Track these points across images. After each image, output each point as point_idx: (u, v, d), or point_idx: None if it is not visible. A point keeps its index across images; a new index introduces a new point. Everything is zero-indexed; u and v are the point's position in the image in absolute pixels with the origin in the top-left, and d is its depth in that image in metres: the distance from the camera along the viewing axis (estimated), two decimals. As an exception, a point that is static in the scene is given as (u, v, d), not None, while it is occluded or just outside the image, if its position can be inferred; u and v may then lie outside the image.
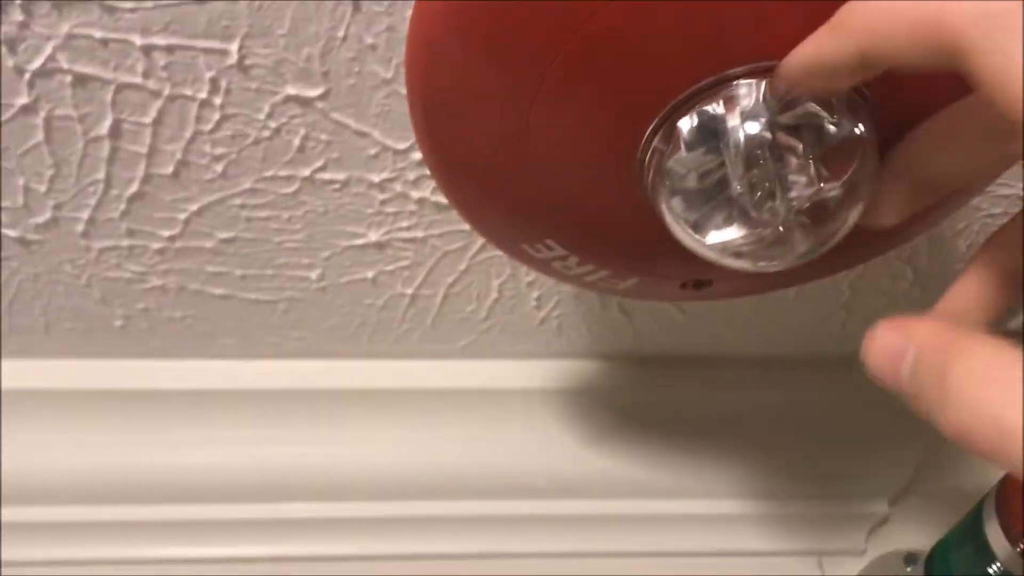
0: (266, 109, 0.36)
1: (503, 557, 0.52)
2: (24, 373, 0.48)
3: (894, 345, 0.23)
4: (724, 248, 0.26)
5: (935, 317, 0.25)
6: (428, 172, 0.38)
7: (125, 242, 0.42)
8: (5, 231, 0.41)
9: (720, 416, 0.52)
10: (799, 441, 0.53)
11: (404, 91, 0.28)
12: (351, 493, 0.51)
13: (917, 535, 0.52)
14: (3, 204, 0.40)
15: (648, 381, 0.51)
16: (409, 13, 0.26)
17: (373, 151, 0.38)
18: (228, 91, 0.35)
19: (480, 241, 0.43)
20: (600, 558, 0.53)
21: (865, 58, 0.20)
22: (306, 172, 0.39)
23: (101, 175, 0.38)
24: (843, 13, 0.21)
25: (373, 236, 0.42)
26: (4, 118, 0.36)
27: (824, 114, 0.24)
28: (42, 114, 0.36)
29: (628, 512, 0.52)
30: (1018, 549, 0.40)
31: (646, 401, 0.51)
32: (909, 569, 0.50)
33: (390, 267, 0.44)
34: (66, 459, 0.49)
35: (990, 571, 0.42)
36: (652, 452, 0.52)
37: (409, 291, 0.46)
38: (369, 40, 0.33)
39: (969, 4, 0.18)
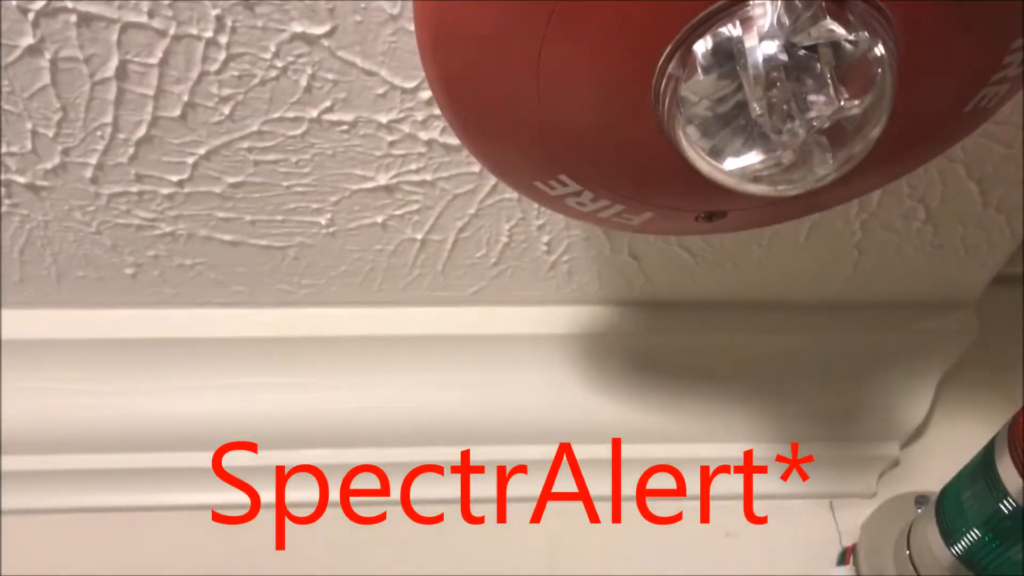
0: (272, 48, 0.35)
1: (514, 501, 0.52)
2: (35, 323, 0.48)
3: None
4: (743, 173, 0.26)
5: None
6: (436, 112, 0.38)
7: (134, 188, 0.42)
8: (15, 177, 0.41)
9: (731, 361, 0.52)
10: (810, 385, 0.53)
11: (411, 27, 0.27)
12: (364, 439, 0.51)
13: (927, 479, 0.52)
14: (11, 149, 0.39)
15: (659, 326, 0.51)
16: (417, -56, 0.25)
17: (381, 90, 0.37)
18: (234, 29, 0.35)
19: (490, 184, 0.43)
20: (611, 502, 0.53)
21: None
22: (313, 113, 0.38)
23: (109, 118, 0.38)
24: None
25: (382, 179, 0.42)
26: (9, 60, 0.35)
27: (842, 32, 0.24)
28: (48, 55, 0.35)
29: (640, 456, 0.53)
30: (1031, 484, 0.40)
31: (657, 346, 0.51)
32: (919, 510, 0.50)
33: (399, 211, 0.44)
34: (78, 409, 0.49)
35: (1002, 507, 0.42)
36: (663, 397, 0.52)
37: (419, 236, 0.46)
38: (376, -26, 0.33)
39: None
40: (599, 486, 0.53)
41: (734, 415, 0.53)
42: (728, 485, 0.53)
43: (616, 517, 0.53)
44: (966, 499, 0.45)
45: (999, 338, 0.55)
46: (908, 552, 0.49)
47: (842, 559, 0.52)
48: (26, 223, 0.43)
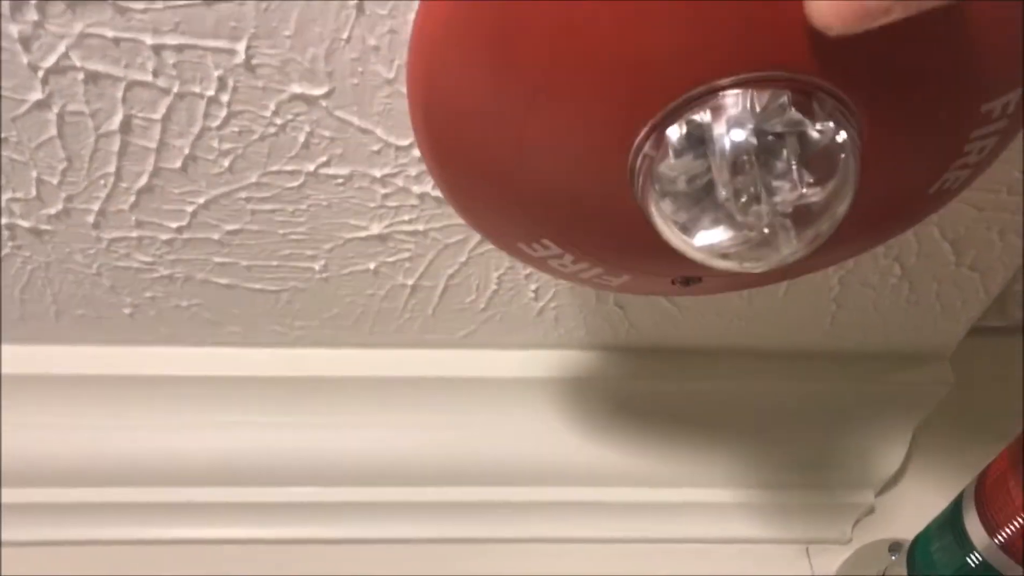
0: (272, 107, 0.37)
1: (498, 542, 0.54)
2: (35, 359, 0.49)
3: None
4: (711, 250, 0.27)
5: None
6: (434, 183, 0.40)
7: (134, 233, 0.43)
8: (18, 221, 0.42)
9: (712, 407, 0.53)
10: (789, 432, 0.54)
11: (405, 91, 0.29)
12: (352, 479, 0.52)
13: (902, 526, 0.53)
14: (17, 195, 0.41)
15: (642, 372, 0.52)
16: (411, 16, 0.27)
17: (376, 147, 0.39)
18: (235, 89, 0.36)
19: (479, 236, 0.44)
20: (592, 544, 0.54)
21: None
22: (310, 167, 0.40)
23: (112, 168, 0.40)
24: None
25: (375, 229, 0.43)
26: (19, 113, 0.37)
27: (807, 121, 0.26)
28: (55, 109, 0.37)
29: (621, 499, 0.54)
30: (996, 540, 0.42)
31: (640, 391, 0.53)
32: (893, 558, 0.52)
33: (391, 259, 0.45)
34: (75, 443, 0.50)
35: (969, 561, 0.43)
36: (645, 441, 0.53)
37: (410, 282, 0.47)
38: (372, 42, 0.34)
39: None
40: (580, 528, 0.54)
41: (714, 460, 0.54)
42: (705, 528, 0.55)
43: (595, 558, 0.54)
44: (935, 551, 0.46)
45: (974, 389, 0.56)
46: (881, 599, 0.51)
47: (817, 604, 0.53)
48: (28, 264, 0.45)
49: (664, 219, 0.28)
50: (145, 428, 0.51)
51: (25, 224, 0.42)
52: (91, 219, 0.42)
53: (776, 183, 0.26)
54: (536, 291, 0.48)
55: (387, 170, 0.40)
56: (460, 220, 0.43)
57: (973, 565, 0.43)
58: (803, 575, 0.54)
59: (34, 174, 0.40)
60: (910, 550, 0.49)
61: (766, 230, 0.27)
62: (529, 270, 0.47)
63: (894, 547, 0.53)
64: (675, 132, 0.26)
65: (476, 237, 0.44)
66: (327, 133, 0.38)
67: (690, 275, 0.33)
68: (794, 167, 0.26)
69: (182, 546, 0.52)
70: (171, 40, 0.34)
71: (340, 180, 0.41)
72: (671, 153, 0.26)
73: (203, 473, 0.51)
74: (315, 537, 0.53)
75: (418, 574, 0.53)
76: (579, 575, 0.54)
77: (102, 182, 0.40)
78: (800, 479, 0.55)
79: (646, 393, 0.53)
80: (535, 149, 0.28)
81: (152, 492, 0.52)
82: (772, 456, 0.54)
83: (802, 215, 0.27)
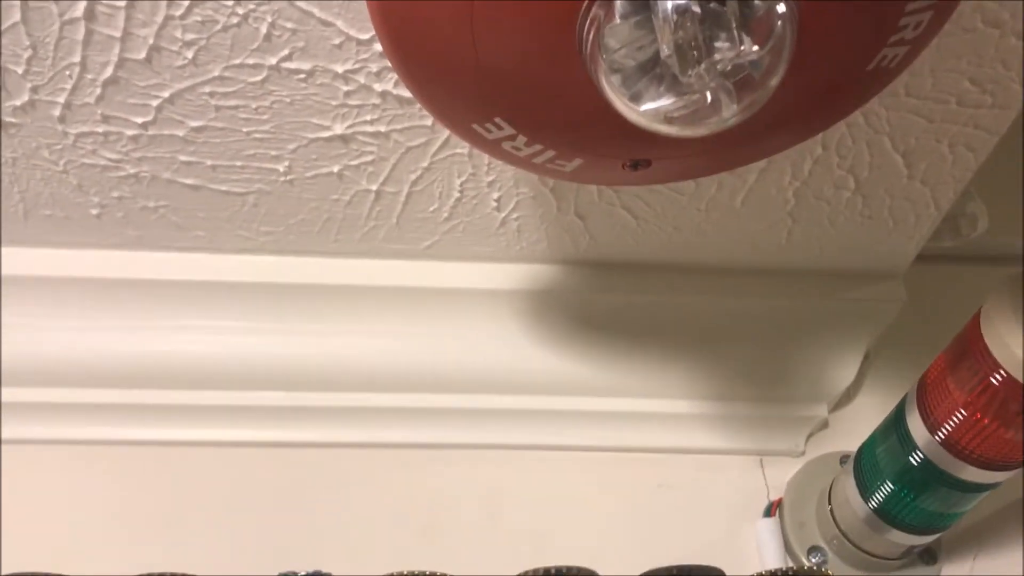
0: (234, -6, 0.37)
1: (458, 448, 0.55)
2: (4, 260, 0.50)
3: None
4: (656, 114, 0.28)
5: None
6: (390, 65, 0.40)
7: (100, 128, 0.44)
8: (-16, 113, 0.43)
9: (670, 321, 0.54)
10: (745, 347, 0.56)
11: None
12: (315, 384, 0.53)
13: (854, 440, 0.54)
14: (-18, 85, 0.41)
15: (602, 285, 0.53)
16: None
17: (337, 41, 0.39)
18: (198, -25, 0.37)
19: (442, 138, 0.45)
20: (550, 451, 0.56)
21: None
22: (273, 60, 0.40)
23: (77, 58, 0.40)
24: None
25: (338, 129, 0.44)
26: (-18, -4, 0.37)
27: (747, -14, 0.26)
28: (19, -7, 0.37)
29: (579, 408, 0.55)
30: (936, 438, 0.43)
31: (600, 304, 0.54)
32: (843, 467, 0.53)
33: (355, 162, 0.46)
34: (44, 343, 0.51)
35: (911, 459, 0.45)
36: (604, 352, 0.54)
37: (374, 187, 0.48)
38: (333, -74, 0.35)
39: None
40: (539, 435, 0.55)
41: (672, 372, 0.55)
42: (663, 438, 0.56)
43: (555, 466, 0.55)
44: (880, 454, 0.48)
45: (925, 311, 0.58)
46: (829, 507, 0.52)
47: (768, 512, 0.55)
48: (-5, 160, 0.45)
49: (612, 87, 0.29)
50: (112, 330, 0.51)
51: (-9, 116, 0.43)
52: (57, 112, 0.43)
53: (717, 45, 0.27)
54: (498, 200, 0.49)
55: (349, 65, 0.41)
56: (422, 122, 0.44)
57: (915, 463, 0.45)
58: (757, 485, 0.56)
59: (-1, 62, 0.40)
60: (857, 455, 0.50)
61: (708, 93, 0.28)
62: (492, 176, 0.47)
63: (844, 459, 0.55)
64: (621, -7, 0.27)
65: (439, 140, 0.45)
66: (289, 25, 0.39)
67: (639, 158, 0.34)
68: (734, 29, 0.27)
69: (145, 447, 0.53)
70: (133, -80, 0.35)
71: (302, 75, 0.41)
72: (617, 15, 0.27)
73: (170, 376, 0.52)
74: (278, 440, 0.54)
75: (378, 477, 0.54)
76: (538, 482, 0.55)
77: (67, 72, 0.41)
78: (755, 392, 0.56)
79: (606, 306, 0.54)
80: (484, 21, 0.29)
81: (114, 394, 0.52)
82: (728, 370, 0.56)
83: (741, 79, 0.28)
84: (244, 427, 0.54)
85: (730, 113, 0.28)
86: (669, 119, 0.29)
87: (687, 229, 0.51)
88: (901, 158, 0.47)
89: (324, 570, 0.48)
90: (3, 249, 0.50)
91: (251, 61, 0.40)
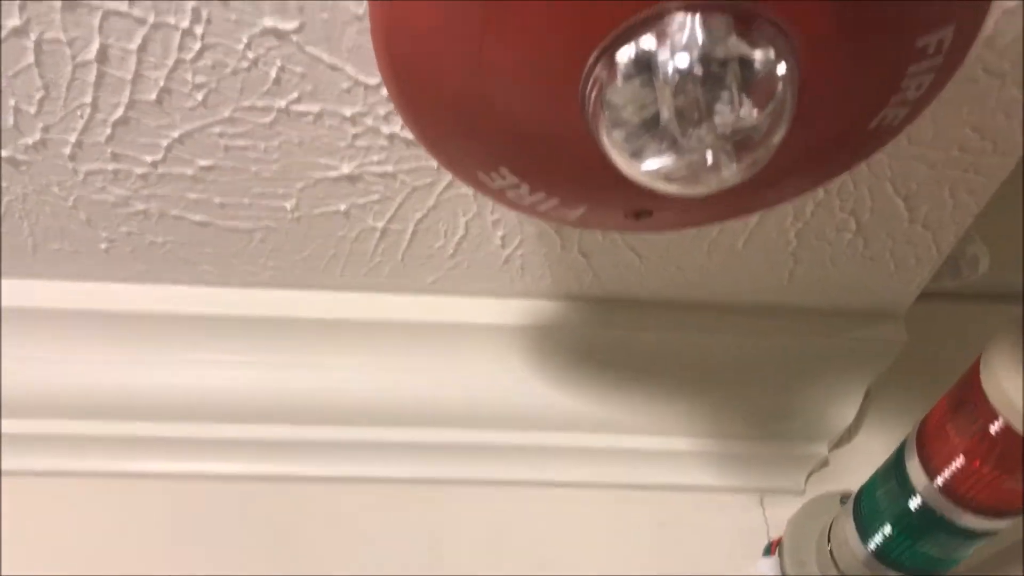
0: (244, 40, 0.38)
1: (460, 484, 0.55)
2: (12, 293, 0.50)
3: None
4: (656, 173, 0.29)
5: None
6: (396, 111, 0.41)
7: (110, 166, 0.44)
8: (-4, 150, 0.43)
9: (672, 357, 0.55)
10: (747, 384, 0.56)
11: (372, 21, 0.30)
12: (319, 417, 0.54)
13: (854, 479, 0.55)
14: (-6, 123, 0.42)
15: (605, 321, 0.54)
16: (378, -51, 0.28)
17: (346, 85, 0.40)
18: (209, 21, 0.37)
19: (447, 178, 0.45)
20: (552, 488, 0.56)
21: None
22: (282, 103, 0.41)
23: (88, 99, 0.41)
24: None
25: (345, 169, 0.44)
26: (-3, 39, 0.38)
27: (748, 48, 0.27)
28: (33, 36, 0.38)
29: (581, 445, 0.56)
30: (935, 484, 0.43)
31: (603, 340, 0.54)
32: (843, 507, 0.53)
33: (361, 200, 0.46)
34: (50, 375, 0.51)
35: (910, 504, 0.45)
36: (606, 389, 0.55)
37: (380, 225, 0.48)
38: (343, -24, 0.36)
39: None
40: (541, 471, 0.56)
41: (673, 409, 0.55)
42: (664, 475, 0.56)
43: (556, 502, 0.55)
44: (880, 496, 0.48)
45: (927, 349, 0.58)
46: (829, 546, 0.52)
47: (768, 551, 0.55)
48: (5, 195, 0.46)
49: (614, 144, 0.29)
50: (118, 363, 0.52)
51: (3, 154, 0.43)
52: (68, 150, 0.43)
53: (717, 107, 0.27)
54: (503, 238, 0.49)
55: (357, 109, 0.41)
56: (428, 163, 0.44)
57: (914, 508, 0.45)
58: (757, 524, 0.56)
59: (12, 103, 0.41)
60: (857, 496, 0.50)
61: (708, 153, 0.28)
62: (496, 216, 0.48)
63: (845, 498, 0.55)
64: (624, 55, 0.27)
65: (444, 180, 0.45)
66: (298, 69, 0.39)
67: (641, 208, 0.35)
68: (735, 92, 0.27)
69: (150, 479, 0.54)
70: (147, -31, 0.35)
71: (311, 118, 0.42)
72: (620, 77, 0.27)
73: (175, 408, 0.53)
74: (280, 474, 0.54)
75: (381, 512, 0.55)
76: (539, 518, 0.55)
77: (79, 113, 0.41)
78: (757, 430, 0.56)
79: (609, 342, 0.54)
80: (491, 72, 0.29)
81: (121, 426, 0.53)
82: (730, 407, 0.56)
83: (741, 140, 0.28)
84: (248, 460, 0.55)
85: (730, 173, 0.29)
86: (669, 178, 0.29)
87: (690, 268, 0.52)
88: (902, 202, 0.48)
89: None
90: (12, 281, 0.51)
91: (261, 103, 0.41)
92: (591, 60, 0.28)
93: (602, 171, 0.31)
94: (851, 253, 0.51)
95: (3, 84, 0.40)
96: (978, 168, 0.45)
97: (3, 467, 0.52)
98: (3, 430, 0.52)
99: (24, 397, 0.52)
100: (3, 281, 0.51)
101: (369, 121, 0.42)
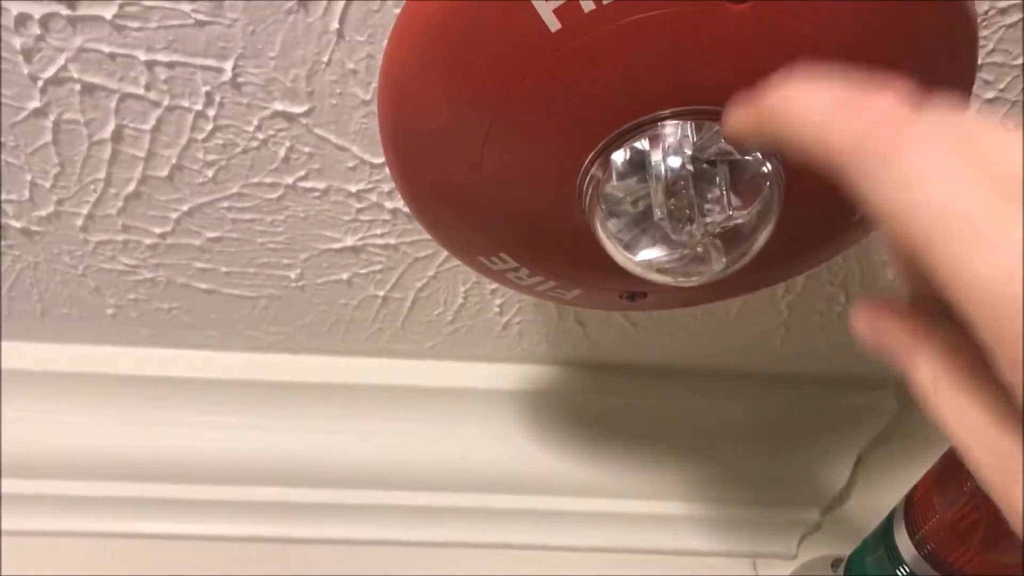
0: (255, 122, 0.39)
1: (453, 547, 0.56)
2: (19, 356, 0.52)
3: (871, 342, 0.23)
4: (649, 265, 0.30)
5: None
6: (401, 196, 0.42)
7: (120, 237, 0.46)
8: (10, 221, 0.44)
9: (666, 423, 0.56)
10: (739, 450, 0.57)
11: (379, 112, 0.31)
12: (318, 480, 0.54)
13: (846, 543, 0.55)
14: (10, 197, 0.43)
15: (600, 387, 0.55)
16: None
17: (351, 164, 0.41)
18: (222, 104, 0.39)
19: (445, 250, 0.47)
20: (546, 551, 0.56)
21: (779, 146, 0.22)
22: (289, 180, 0.42)
23: (102, 175, 0.42)
24: (771, 100, 0.22)
25: (349, 241, 0.46)
26: (17, 119, 0.39)
27: (737, 152, 0.28)
28: (51, 117, 0.39)
29: (575, 509, 0.56)
30: (922, 553, 0.44)
31: (598, 406, 0.55)
32: (836, 573, 0.54)
33: (364, 270, 0.48)
34: (55, 437, 0.52)
35: (899, 573, 0.46)
36: (601, 453, 0.56)
37: (381, 293, 0.49)
38: (351, 65, 0.37)
39: (850, 125, 0.19)
40: (536, 535, 0.56)
41: (667, 474, 0.56)
42: (657, 539, 0.57)
43: (551, 566, 0.56)
44: (869, 564, 0.49)
45: (917, 416, 0.59)
46: (821, 611, 0.53)
47: (761, 615, 0.56)
48: (17, 263, 0.47)
49: (609, 236, 0.30)
50: (122, 425, 0.53)
51: (17, 224, 0.45)
52: (80, 222, 0.45)
53: (708, 206, 0.29)
54: (501, 307, 0.51)
55: (362, 185, 0.43)
56: (430, 236, 0.46)
57: (902, 577, 0.46)
58: (749, 587, 0.57)
59: (28, 177, 0.42)
60: (848, 562, 0.51)
61: (699, 248, 0.29)
62: (494, 286, 0.49)
63: (836, 563, 0.56)
64: (619, 156, 0.29)
65: (444, 252, 0.47)
66: (306, 149, 0.41)
67: (635, 291, 0.36)
68: (724, 192, 0.29)
69: (150, 540, 0.54)
70: (163, 57, 0.37)
71: (317, 193, 0.43)
72: (615, 175, 0.29)
73: (176, 470, 0.53)
74: (280, 536, 0.55)
75: (376, 573, 0.55)
76: (534, 580, 0.56)
77: (92, 187, 0.43)
78: (749, 495, 0.57)
79: (604, 407, 0.55)
80: (492, 171, 0.31)
81: (124, 487, 0.53)
82: (723, 472, 0.57)
83: (730, 235, 0.29)
84: (246, 522, 0.55)
85: (720, 266, 0.30)
86: (662, 270, 0.30)
87: (683, 336, 0.53)
88: (891, 275, 0.49)
89: None
90: (17, 344, 0.52)
91: (269, 180, 0.42)
92: (588, 160, 0.29)
93: (597, 259, 0.32)
94: (841, 324, 0.52)
95: (21, 160, 0.41)
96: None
97: (3, 527, 0.53)
98: (4, 490, 0.53)
99: (25, 458, 0.53)
100: (9, 343, 0.52)
101: (373, 197, 0.43)
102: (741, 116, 0.24)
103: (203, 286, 0.48)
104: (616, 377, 0.55)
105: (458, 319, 0.52)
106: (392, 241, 0.46)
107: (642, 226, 0.30)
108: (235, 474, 0.54)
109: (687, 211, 0.29)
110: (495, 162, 0.30)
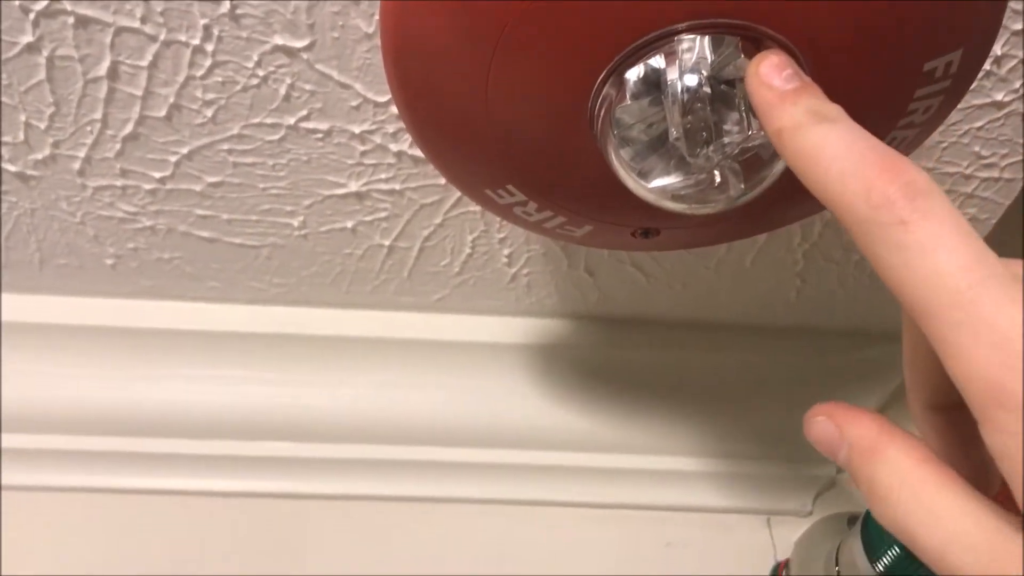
0: (255, 58, 0.38)
1: (461, 503, 0.55)
2: (18, 308, 0.51)
3: (830, 437, 0.24)
4: (664, 191, 0.29)
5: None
6: (405, 128, 0.41)
7: (119, 182, 0.44)
8: (5, 165, 0.43)
9: (679, 377, 0.54)
10: (754, 405, 0.56)
11: (382, 39, 0.30)
12: (321, 435, 0.54)
13: (861, 500, 0.54)
14: (5, 139, 0.42)
15: (611, 341, 0.54)
16: (390, -31, 0.28)
17: (355, 103, 0.40)
18: (220, 39, 0.37)
19: (455, 196, 0.45)
20: (555, 507, 0.55)
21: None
22: (291, 120, 0.41)
23: (98, 115, 0.41)
24: (804, 134, 0.23)
25: (353, 186, 0.45)
26: (9, 55, 0.38)
27: (755, 70, 0.27)
28: (45, 53, 0.38)
29: (586, 464, 0.55)
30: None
31: (608, 360, 0.54)
32: (851, 529, 0.53)
33: (368, 218, 0.47)
34: (54, 390, 0.51)
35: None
36: (612, 408, 0.55)
37: (387, 242, 0.48)
38: (353, -5, 0.36)
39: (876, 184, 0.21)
40: (546, 491, 0.55)
41: (680, 429, 0.55)
42: (670, 496, 0.56)
43: (561, 522, 0.55)
44: (888, 517, 0.47)
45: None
46: (836, 568, 0.52)
47: (775, 572, 0.55)
48: (14, 210, 0.46)
49: (622, 164, 0.29)
50: (121, 379, 0.52)
51: (12, 168, 0.44)
52: (77, 166, 0.43)
53: (726, 127, 0.27)
54: (509, 257, 0.50)
55: (366, 127, 0.41)
56: (436, 181, 0.44)
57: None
58: (764, 545, 0.56)
59: (22, 118, 0.41)
60: (864, 518, 0.50)
61: (716, 173, 0.28)
62: (503, 234, 0.48)
63: (852, 519, 0.55)
64: (633, 74, 0.27)
65: (452, 199, 0.46)
66: (307, 87, 0.39)
67: (648, 227, 0.35)
68: (743, 113, 0.27)
69: (151, 495, 0.54)
70: (158, -14, 0.36)
71: (319, 135, 0.42)
72: (628, 95, 0.27)
73: (177, 425, 0.53)
74: (284, 491, 0.54)
75: (383, 530, 0.54)
76: (544, 537, 0.55)
77: (88, 128, 0.41)
78: (763, 452, 0.56)
79: (615, 362, 0.54)
80: (499, 93, 0.29)
81: (124, 442, 0.53)
82: (737, 428, 0.56)
83: (749, 160, 0.28)
84: (253, 477, 0.54)
85: (737, 193, 0.29)
86: (677, 197, 0.29)
87: (696, 287, 0.52)
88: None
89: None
90: (16, 296, 0.51)
91: (269, 120, 0.41)
92: (600, 79, 0.28)
93: (609, 190, 0.31)
94: (858, 274, 0.50)
95: (15, 100, 0.40)
96: (987, 188, 0.45)
97: (3, 482, 0.52)
98: (3, 445, 0.52)
99: (24, 411, 0.52)
100: (8, 295, 0.51)
101: (377, 139, 0.42)
102: (766, 112, 0.24)
103: (204, 234, 0.47)
104: (627, 331, 0.54)
105: (465, 270, 0.50)
106: (397, 187, 0.45)
107: (657, 152, 0.29)
108: (236, 428, 0.53)
109: (704, 132, 0.27)
110: (503, 83, 0.29)
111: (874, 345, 0.55)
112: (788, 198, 0.33)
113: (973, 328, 0.19)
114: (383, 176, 0.44)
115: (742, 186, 0.28)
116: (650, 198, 0.29)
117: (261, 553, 0.53)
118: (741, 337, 0.54)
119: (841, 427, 0.24)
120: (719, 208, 0.29)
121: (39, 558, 0.52)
